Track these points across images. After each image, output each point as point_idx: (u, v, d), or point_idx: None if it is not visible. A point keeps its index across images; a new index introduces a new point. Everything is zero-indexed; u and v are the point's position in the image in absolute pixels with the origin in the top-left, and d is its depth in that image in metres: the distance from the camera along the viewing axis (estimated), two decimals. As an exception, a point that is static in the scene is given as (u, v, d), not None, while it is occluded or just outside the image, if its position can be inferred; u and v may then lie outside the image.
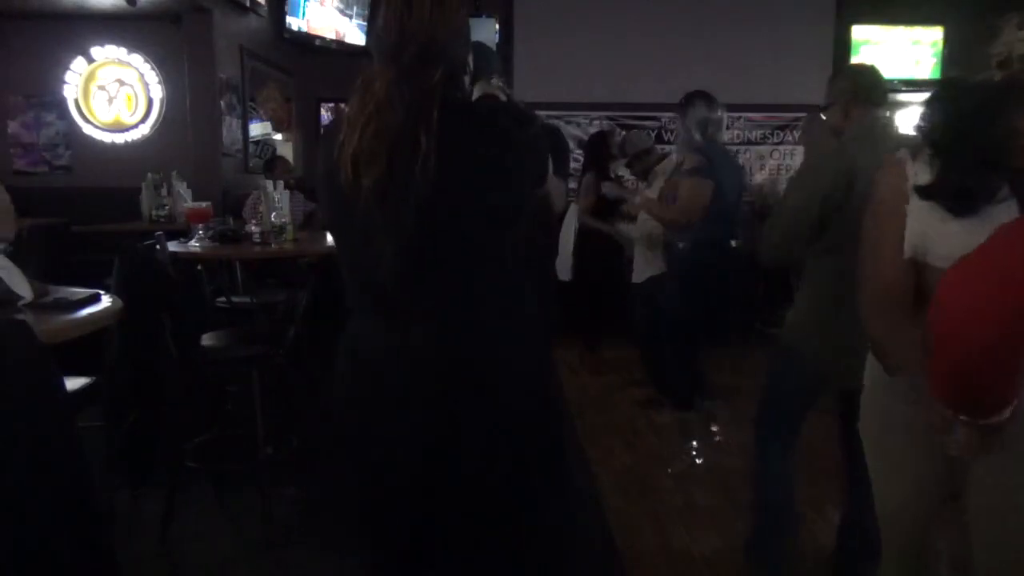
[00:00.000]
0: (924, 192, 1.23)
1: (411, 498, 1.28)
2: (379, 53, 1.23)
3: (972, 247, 1.08)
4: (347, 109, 1.21)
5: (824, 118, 2.18)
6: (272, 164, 4.71)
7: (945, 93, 1.30)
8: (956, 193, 1.20)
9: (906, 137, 1.96)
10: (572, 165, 5.39)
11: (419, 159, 1.13)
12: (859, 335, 1.73)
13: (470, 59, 1.32)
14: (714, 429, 3.45)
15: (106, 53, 5.55)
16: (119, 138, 5.65)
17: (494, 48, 6.40)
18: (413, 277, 1.20)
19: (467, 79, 1.34)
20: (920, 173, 1.25)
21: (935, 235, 1.23)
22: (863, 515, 2.18)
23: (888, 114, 2.12)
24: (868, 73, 2.12)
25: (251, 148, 5.58)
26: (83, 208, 5.12)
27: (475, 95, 1.52)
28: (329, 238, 3.60)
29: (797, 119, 6.31)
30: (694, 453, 3.25)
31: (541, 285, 1.48)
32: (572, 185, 5.03)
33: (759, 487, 2.29)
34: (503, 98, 1.60)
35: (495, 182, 1.21)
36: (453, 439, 1.24)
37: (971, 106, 1.21)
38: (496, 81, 1.70)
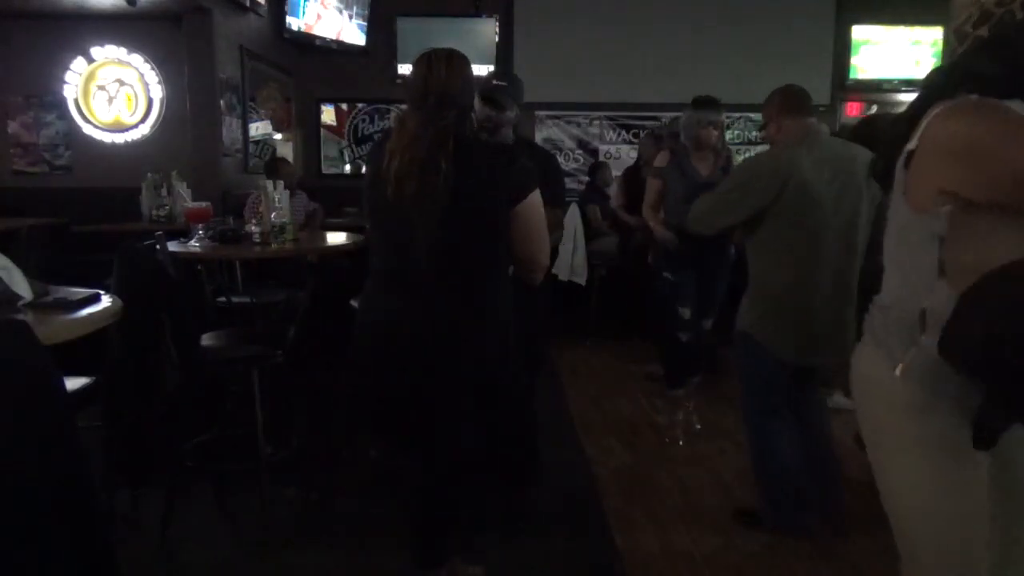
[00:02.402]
0: None
1: (414, 401, 1.87)
2: (409, 100, 1.77)
3: None
4: (389, 140, 1.75)
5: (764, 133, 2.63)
6: (274, 166, 4.70)
7: (937, 71, 1.28)
8: None
9: (837, 140, 2.45)
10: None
11: (440, 178, 1.67)
12: (803, 317, 2.24)
13: (476, 103, 1.93)
14: (688, 405, 3.57)
15: (106, 53, 5.55)
16: (119, 138, 5.66)
17: (493, 48, 6.42)
18: (438, 262, 1.74)
19: (473, 117, 1.94)
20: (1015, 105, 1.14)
21: None
22: (821, 455, 2.52)
23: (815, 121, 2.40)
24: (793, 89, 2.43)
25: (251, 148, 5.58)
26: (83, 208, 5.12)
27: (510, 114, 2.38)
28: (334, 238, 3.61)
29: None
30: (678, 432, 3.44)
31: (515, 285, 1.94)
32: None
33: (761, 466, 2.52)
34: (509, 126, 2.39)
35: (488, 195, 1.75)
36: (453, 368, 1.81)
37: (980, 64, 1.16)
38: (510, 114, 2.38)
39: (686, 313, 3.44)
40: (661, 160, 3.59)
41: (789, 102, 2.39)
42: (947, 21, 1.33)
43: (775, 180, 2.25)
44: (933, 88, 1.22)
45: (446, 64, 1.76)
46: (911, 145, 1.19)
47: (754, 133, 6.74)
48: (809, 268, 2.28)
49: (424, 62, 1.77)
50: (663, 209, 3.54)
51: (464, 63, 1.80)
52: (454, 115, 1.73)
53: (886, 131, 1.34)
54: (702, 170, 3.37)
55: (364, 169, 1.90)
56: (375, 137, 6.68)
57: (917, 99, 1.26)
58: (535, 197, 1.80)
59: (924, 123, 1.17)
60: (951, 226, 1.13)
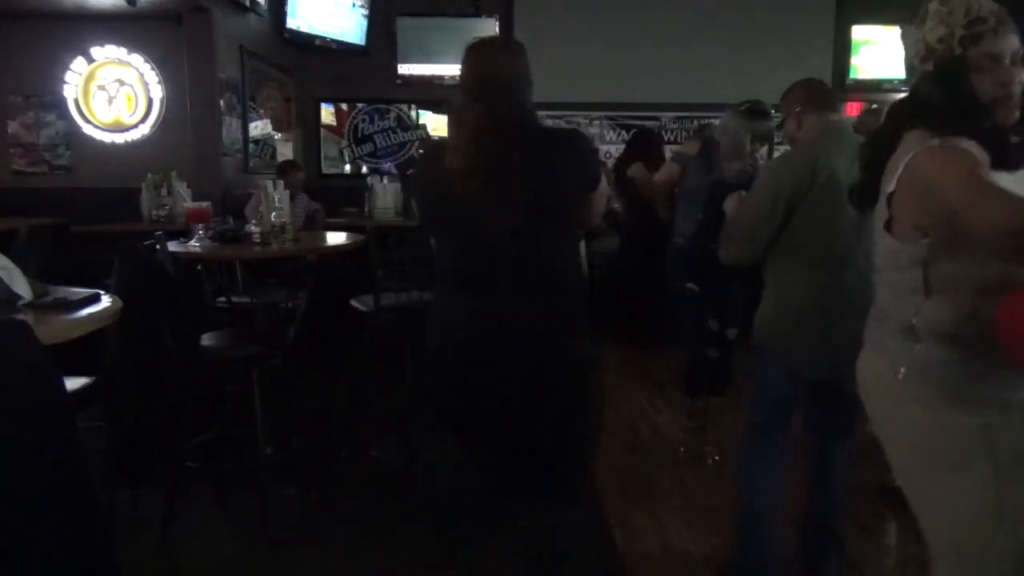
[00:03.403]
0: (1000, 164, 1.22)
1: (489, 405, 1.74)
2: (467, 92, 1.68)
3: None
4: (449, 136, 1.68)
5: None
6: (286, 169, 4.76)
7: (898, 103, 1.40)
8: (997, 151, 1.22)
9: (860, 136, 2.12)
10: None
11: (512, 171, 1.57)
12: (827, 329, 1.95)
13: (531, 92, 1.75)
14: (690, 425, 3.48)
15: (106, 53, 5.55)
16: (119, 138, 5.65)
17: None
18: (516, 258, 1.64)
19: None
20: (972, 146, 1.21)
21: None
22: (829, 510, 2.22)
23: (839, 118, 2.21)
24: (815, 83, 2.23)
25: (251, 148, 5.58)
26: (83, 208, 5.11)
27: None
28: (334, 237, 3.61)
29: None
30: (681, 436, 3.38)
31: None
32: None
33: (743, 491, 2.22)
34: None
35: (563, 185, 1.66)
36: (529, 373, 1.69)
37: (928, 96, 1.29)
38: None
39: (714, 325, 3.20)
40: (690, 148, 3.42)
41: (812, 96, 2.17)
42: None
43: (805, 174, 1.99)
44: (897, 118, 1.36)
45: (504, 52, 1.71)
46: (890, 188, 1.30)
47: (754, 133, 6.74)
48: (836, 275, 2.01)
49: (479, 52, 1.71)
50: (677, 208, 3.39)
51: (522, 50, 1.74)
52: (517, 104, 1.66)
53: (865, 158, 1.45)
54: (728, 170, 3.11)
55: (411, 172, 1.87)
56: (376, 137, 6.70)
57: (883, 129, 1.39)
58: (604, 180, 1.78)
59: (901, 165, 1.26)
60: (931, 252, 1.25)
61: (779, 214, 2.02)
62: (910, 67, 1.34)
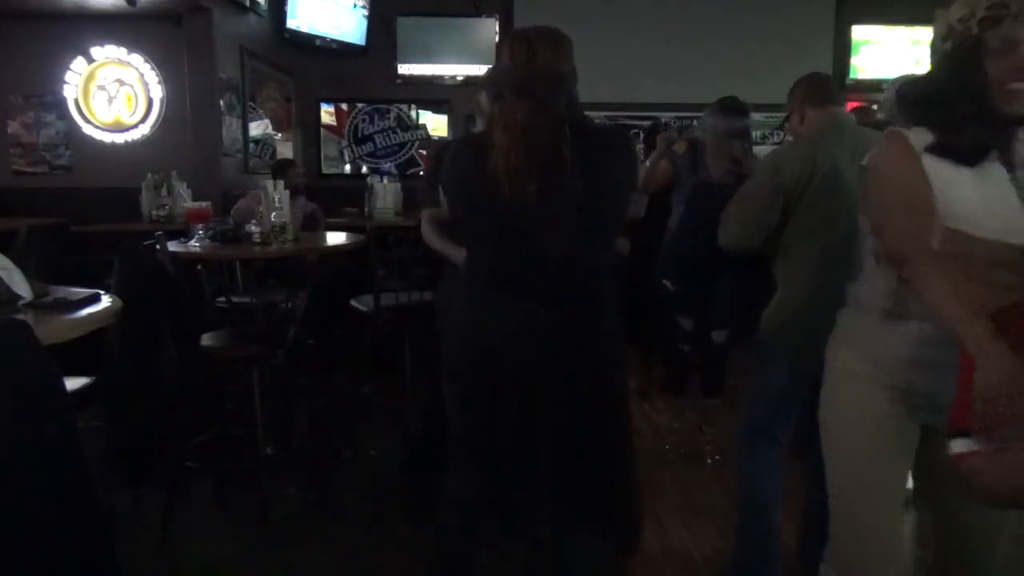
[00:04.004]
0: (939, 149, 1.28)
1: (521, 418, 1.61)
2: (509, 88, 1.56)
3: (984, 204, 1.24)
4: (493, 134, 1.52)
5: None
6: (282, 168, 4.71)
7: (911, 80, 1.44)
8: (969, 146, 1.28)
9: (865, 129, 2.16)
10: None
11: (567, 170, 1.47)
12: (831, 324, 1.80)
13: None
14: (675, 425, 3.48)
15: (106, 53, 5.54)
16: (119, 138, 5.65)
17: (493, 48, 6.41)
18: (567, 264, 1.54)
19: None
20: (922, 139, 1.30)
21: (955, 193, 1.27)
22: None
23: (842, 111, 2.20)
24: (817, 78, 2.23)
25: (251, 148, 5.58)
26: (83, 208, 5.12)
27: None
28: (334, 238, 3.61)
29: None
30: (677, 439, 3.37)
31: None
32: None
33: (742, 490, 2.22)
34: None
35: (615, 187, 1.60)
36: (586, 380, 1.60)
37: (942, 76, 1.33)
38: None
39: (687, 324, 3.21)
40: (680, 147, 3.36)
41: (813, 91, 2.20)
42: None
43: (807, 163, 1.99)
44: (905, 102, 1.41)
45: (553, 45, 1.59)
46: (865, 161, 1.40)
47: (755, 132, 6.74)
48: (840, 269, 1.92)
49: (525, 44, 1.58)
50: (672, 207, 3.33)
51: (570, 43, 1.63)
52: (565, 100, 1.56)
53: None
54: (713, 169, 3.11)
55: (445, 172, 1.67)
56: (376, 137, 6.70)
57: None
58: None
59: (873, 149, 1.38)
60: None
61: (778, 202, 2.01)
62: (934, 48, 1.36)
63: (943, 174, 1.27)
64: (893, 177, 1.34)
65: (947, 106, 1.30)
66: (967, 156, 1.27)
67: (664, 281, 3.21)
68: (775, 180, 2.01)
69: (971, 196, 1.26)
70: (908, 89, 1.40)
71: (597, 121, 1.92)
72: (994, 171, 1.27)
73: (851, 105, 6.95)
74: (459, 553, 1.79)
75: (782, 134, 6.45)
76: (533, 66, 1.54)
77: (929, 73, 1.37)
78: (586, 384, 1.60)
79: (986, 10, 1.26)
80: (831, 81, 2.26)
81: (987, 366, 1.14)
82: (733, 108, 3.05)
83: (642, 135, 6.56)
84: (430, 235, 2.46)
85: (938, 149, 1.29)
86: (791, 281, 2.09)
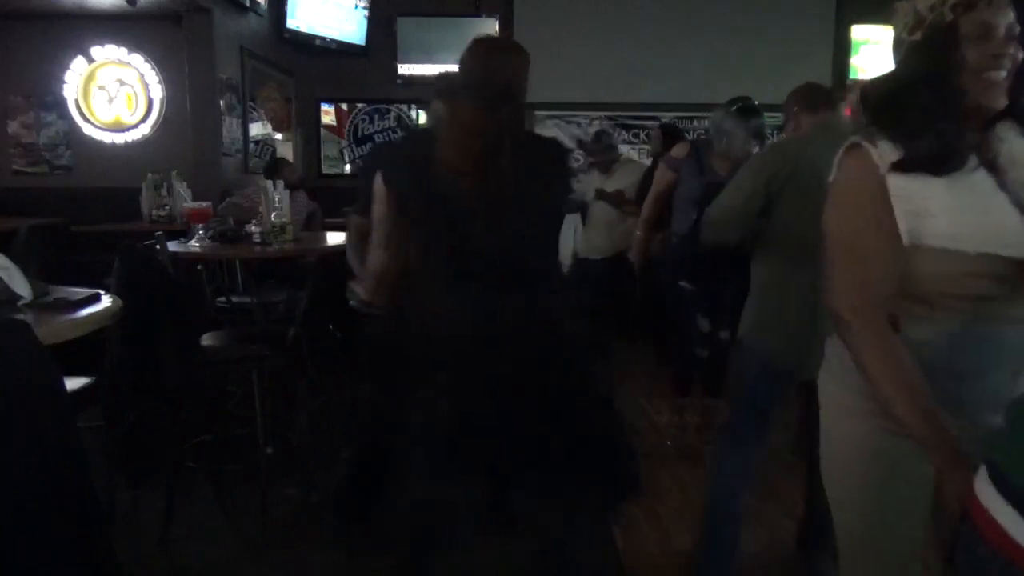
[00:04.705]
0: (907, 165, 1.16)
1: (489, 408, 1.64)
2: (464, 89, 1.66)
3: (966, 213, 1.13)
4: (439, 128, 1.67)
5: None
6: (275, 167, 4.70)
7: (876, 79, 1.31)
8: (939, 151, 1.15)
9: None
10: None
11: (502, 175, 1.58)
12: (809, 327, 1.84)
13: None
14: (675, 425, 3.48)
15: (106, 53, 5.55)
16: (119, 138, 5.65)
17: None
18: (504, 261, 1.63)
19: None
20: (887, 153, 1.18)
21: (931, 210, 1.15)
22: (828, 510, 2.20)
23: (835, 116, 2.22)
24: (810, 87, 2.28)
25: (251, 148, 5.58)
26: (83, 208, 5.12)
27: None
28: (334, 237, 3.61)
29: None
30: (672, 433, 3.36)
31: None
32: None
33: (711, 483, 2.24)
34: None
35: (551, 191, 1.72)
36: (527, 372, 1.64)
37: (911, 69, 1.21)
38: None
39: (704, 325, 3.22)
40: (680, 151, 3.39)
41: (807, 98, 2.26)
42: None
43: (787, 162, 1.99)
44: (870, 101, 1.28)
45: (513, 55, 1.70)
46: (832, 176, 1.26)
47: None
48: (820, 271, 2.00)
49: (485, 50, 1.68)
50: (673, 208, 3.34)
51: (526, 55, 1.72)
52: (512, 109, 1.66)
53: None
54: (720, 169, 3.08)
55: (385, 163, 1.77)
56: (376, 137, 6.70)
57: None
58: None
59: (837, 158, 1.24)
60: None
61: (758, 199, 2.01)
62: (898, 42, 1.26)
63: (915, 192, 1.15)
64: (845, 207, 1.22)
65: (917, 103, 1.18)
66: (940, 165, 1.15)
67: (682, 283, 3.19)
68: (754, 178, 2.03)
69: (951, 209, 1.14)
70: (872, 89, 1.29)
71: (542, 135, 2.05)
72: (975, 177, 1.16)
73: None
74: (416, 560, 1.80)
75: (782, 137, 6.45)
76: (488, 72, 1.64)
77: (896, 70, 1.25)
78: (541, 361, 1.66)
79: None
80: (825, 90, 2.30)
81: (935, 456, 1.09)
82: (751, 109, 3.07)
83: (643, 135, 6.60)
84: (349, 247, 2.39)
85: (907, 165, 1.16)
86: (770, 283, 2.09)
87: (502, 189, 1.59)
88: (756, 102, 3.10)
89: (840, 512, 1.32)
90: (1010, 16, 1.17)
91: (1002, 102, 1.18)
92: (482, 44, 1.69)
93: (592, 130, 6.46)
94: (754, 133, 3.04)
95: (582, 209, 5.04)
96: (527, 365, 1.64)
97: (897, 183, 1.16)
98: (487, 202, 1.60)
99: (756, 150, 3.01)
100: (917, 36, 1.21)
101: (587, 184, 4.53)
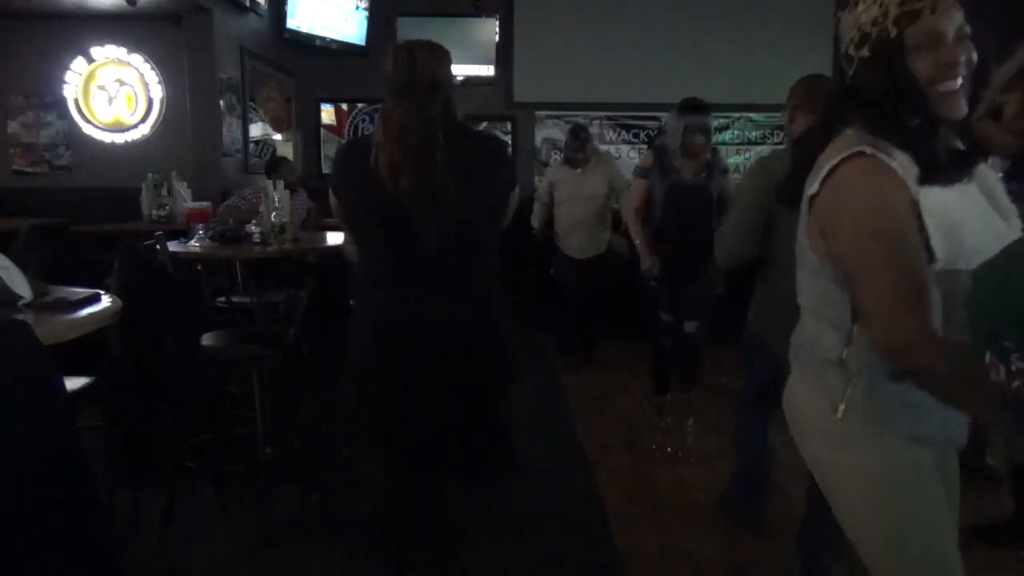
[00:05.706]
0: (925, 174, 1.10)
1: (427, 402, 1.79)
2: (391, 91, 1.70)
3: (974, 233, 1.10)
4: (375, 132, 1.68)
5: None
6: (275, 165, 4.70)
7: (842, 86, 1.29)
8: (949, 159, 1.12)
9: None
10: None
11: (436, 170, 1.62)
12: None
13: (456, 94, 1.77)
14: (664, 423, 3.46)
15: (106, 53, 5.54)
16: (119, 138, 5.65)
17: (493, 48, 6.41)
18: (442, 256, 1.68)
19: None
20: (907, 165, 1.11)
21: (967, 225, 1.10)
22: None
23: None
24: (815, 82, 2.24)
25: (251, 148, 5.58)
26: (83, 208, 5.12)
27: None
28: (333, 238, 3.60)
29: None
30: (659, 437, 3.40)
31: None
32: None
33: (740, 454, 2.62)
34: None
35: (489, 186, 1.77)
36: (458, 364, 1.76)
37: (876, 79, 1.17)
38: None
39: (667, 318, 3.35)
40: (646, 160, 3.48)
41: (807, 95, 2.20)
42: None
43: (772, 174, 1.97)
44: (831, 116, 1.24)
45: (431, 53, 1.73)
46: (812, 190, 1.17)
47: (754, 133, 6.74)
48: None
49: (406, 52, 1.72)
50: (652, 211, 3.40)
51: (447, 52, 1.77)
52: (442, 104, 1.69)
53: (794, 154, 1.34)
54: (686, 172, 3.22)
55: (332, 170, 1.88)
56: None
57: (820, 127, 1.26)
58: (516, 189, 1.87)
59: (827, 167, 1.14)
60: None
61: (758, 213, 2.14)
62: (847, 58, 1.23)
63: (933, 207, 1.08)
64: (886, 231, 1.07)
65: (895, 114, 1.13)
66: (954, 173, 1.10)
67: (651, 281, 3.37)
68: (756, 198, 2.15)
69: (963, 225, 1.10)
70: (843, 100, 1.25)
71: (477, 128, 2.11)
72: (971, 189, 1.13)
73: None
74: (393, 535, 2.02)
75: (783, 134, 6.46)
76: (412, 72, 1.68)
77: (853, 83, 1.22)
78: (469, 364, 1.77)
79: (899, 6, 1.12)
80: (829, 86, 2.27)
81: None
82: (692, 106, 3.18)
83: (643, 135, 6.60)
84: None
85: (924, 175, 1.10)
86: (775, 279, 2.15)
87: (441, 183, 1.63)
88: (705, 101, 3.22)
89: (871, 547, 1.22)
90: (958, 17, 1.13)
91: (963, 110, 1.14)
92: (403, 47, 1.74)
93: (593, 131, 6.48)
94: (697, 128, 3.14)
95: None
96: (442, 356, 1.75)
97: (928, 197, 1.11)
98: (427, 197, 1.63)
99: (702, 141, 3.17)
100: (864, 52, 1.18)
101: (562, 178, 4.60)
